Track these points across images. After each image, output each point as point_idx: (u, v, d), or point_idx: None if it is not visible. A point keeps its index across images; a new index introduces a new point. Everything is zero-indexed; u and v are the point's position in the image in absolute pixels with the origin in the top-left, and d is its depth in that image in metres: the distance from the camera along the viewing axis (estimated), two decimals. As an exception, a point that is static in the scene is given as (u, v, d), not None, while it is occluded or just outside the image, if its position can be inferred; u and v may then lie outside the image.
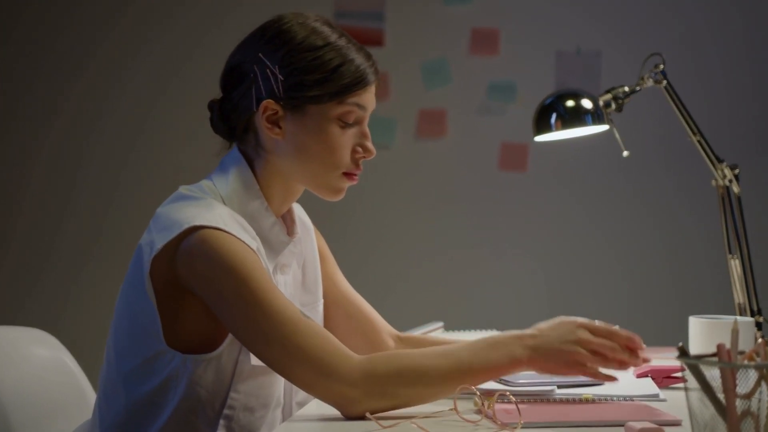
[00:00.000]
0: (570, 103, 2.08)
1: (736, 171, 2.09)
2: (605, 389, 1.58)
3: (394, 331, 1.84)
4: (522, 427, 1.31)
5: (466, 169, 3.85)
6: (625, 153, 2.16)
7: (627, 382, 1.63)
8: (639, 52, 2.24)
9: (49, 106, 3.97)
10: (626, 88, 2.12)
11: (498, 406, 1.40)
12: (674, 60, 2.27)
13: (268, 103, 1.56)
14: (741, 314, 2.06)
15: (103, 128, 3.96)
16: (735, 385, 1.03)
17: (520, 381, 1.59)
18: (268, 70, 1.55)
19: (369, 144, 1.60)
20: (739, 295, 2.07)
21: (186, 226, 1.46)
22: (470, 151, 3.85)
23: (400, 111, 3.85)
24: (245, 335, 1.45)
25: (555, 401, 1.50)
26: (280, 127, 1.56)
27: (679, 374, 1.68)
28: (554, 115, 2.09)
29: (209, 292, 1.46)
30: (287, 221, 1.67)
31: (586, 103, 2.08)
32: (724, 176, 2.10)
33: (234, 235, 1.46)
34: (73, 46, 3.97)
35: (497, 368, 1.43)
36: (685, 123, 2.11)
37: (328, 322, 1.78)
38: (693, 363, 1.05)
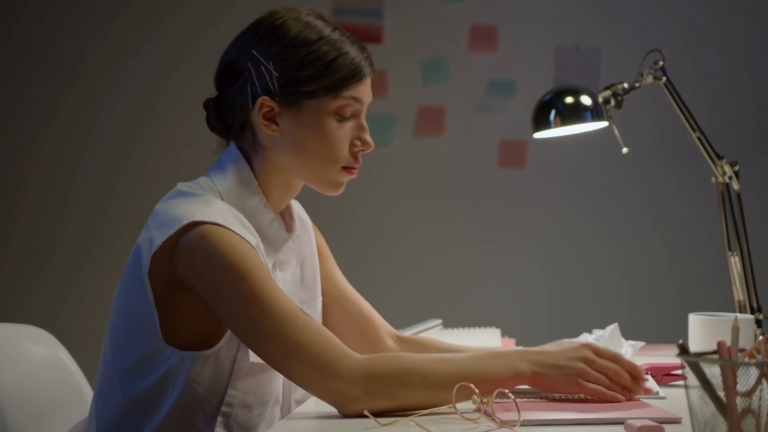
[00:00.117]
0: (569, 99, 2.07)
1: (736, 168, 2.09)
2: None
3: (394, 331, 1.83)
4: (521, 425, 1.31)
5: (465, 166, 3.84)
6: (625, 150, 2.15)
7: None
8: (638, 49, 2.24)
9: (48, 105, 3.97)
10: (625, 85, 2.11)
11: (497, 404, 1.40)
12: (674, 56, 2.27)
13: (263, 100, 1.55)
14: (741, 311, 2.06)
15: (103, 128, 3.96)
16: (735, 383, 1.02)
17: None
18: (262, 67, 1.55)
19: (367, 137, 1.59)
20: (739, 293, 2.07)
21: (185, 222, 1.45)
22: (469, 149, 3.84)
23: (399, 108, 3.84)
24: (244, 332, 1.45)
25: (554, 399, 1.49)
26: (276, 124, 1.56)
27: (678, 372, 1.67)
28: (553, 112, 2.08)
29: (208, 288, 1.46)
30: (286, 218, 1.66)
31: (586, 100, 2.08)
32: (724, 173, 2.09)
33: (233, 231, 1.46)
34: (72, 46, 3.96)
35: (499, 380, 1.42)
36: (684, 120, 2.10)
37: (326, 321, 1.77)
38: (693, 360, 1.05)
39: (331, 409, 1.45)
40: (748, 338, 1.79)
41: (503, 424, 1.31)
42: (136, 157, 3.93)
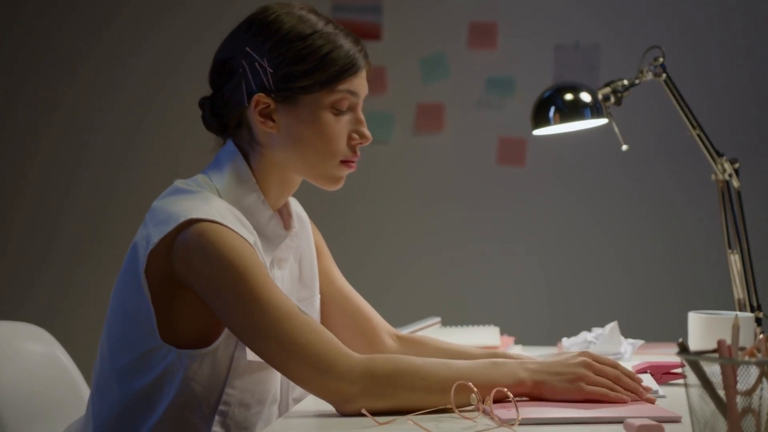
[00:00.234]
0: (568, 96, 2.07)
1: (736, 165, 2.08)
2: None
3: (393, 330, 1.82)
4: (520, 424, 1.30)
5: (464, 164, 3.84)
6: (624, 147, 2.15)
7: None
8: (638, 47, 2.23)
9: (47, 104, 3.97)
10: (625, 82, 2.11)
11: (496, 403, 1.39)
12: (673, 54, 2.26)
13: (259, 96, 1.54)
14: (741, 310, 2.05)
15: (101, 127, 3.95)
16: (736, 382, 1.01)
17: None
18: (256, 63, 1.54)
19: (365, 130, 1.58)
20: (739, 291, 2.06)
21: (182, 220, 1.45)
22: (468, 146, 3.83)
23: (397, 106, 3.84)
24: (242, 330, 1.44)
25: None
26: (273, 120, 1.55)
27: (678, 370, 1.67)
28: (553, 109, 2.07)
29: (206, 286, 1.45)
30: (284, 215, 1.65)
31: (585, 97, 2.07)
32: (724, 170, 2.08)
33: (231, 229, 1.45)
34: (71, 45, 3.96)
35: (498, 387, 1.41)
36: (684, 117, 2.10)
37: (325, 319, 1.76)
38: (693, 359, 1.04)
39: (329, 408, 1.45)
40: (747, 337, 1.79)
41: (502, 423, 1.30)
42: (135, 156, 3.93)
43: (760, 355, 1.06)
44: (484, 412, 1.37)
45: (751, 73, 3.77)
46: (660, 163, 3.77)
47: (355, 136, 1.58)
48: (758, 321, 2.02)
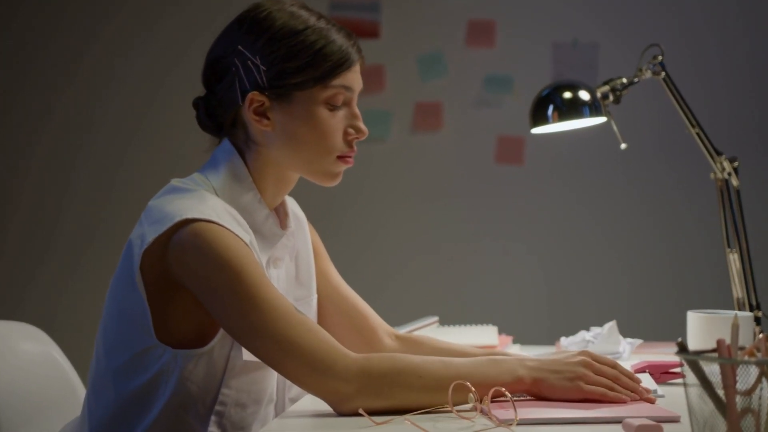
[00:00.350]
0: (567, 94, 2.06)
1: (735, 164, 2.08)
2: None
3: (391, 329, 1.82)
4: (518, 424, 1.29)
5: (462, 162, 3.83)
6: (623, 145, 2.14)
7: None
8: (637, 45, 2.22)
9: (45, 103, 3.96)
10: (624, 80, 2.10)
11: (494, 403, 1.38)
12: (672, 52, 2.25)
13: (253, 95, 1.53)
14: (740, 309, 2.05)
15: (99, 127, 3.95)
16: (735, 382, 1.01)
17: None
18: (249, 62, 1.53)
19: (360, 124, 1.58)
20: (738, 290, 2.06)
21: (178, 219, 1.44)
22: (466, 145, 3.83)
23: (395, 104, 3.83)
24: (238, 330, 1.43)
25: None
26: (268, 118, 1.54)
27: (677, 370, 1.66)
28: (551, 107, 2.07)
29: (201, 286, 1.44)
30: (280, 214, 1.65)
31: (584, 95, 2.06)
32: (723, 169, 2.08)
33: (227, 228, 1.44)
34: (69, 45, 3.95)
35: (497, 385, 1.40)
36: (683, 115, 2.09)
37: (322, 319, 1.76)
38: (692, 359, 1.03)
39: (326, 408, 1.44)
40: (747, 336, 1.78)
41: (500, 422, 1.29)
42: (133, 156, 3.92)
43: (759, 355, 1.05)
44: (482, 411, 1.36)
45: (751, 72, 3.76)
46: (659, 161, 3.76)
47: (351, 131, 1.57)
48: (757, 320, 2.01)
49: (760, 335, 1.11)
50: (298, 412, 1.50)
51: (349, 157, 1.58)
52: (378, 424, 1.31)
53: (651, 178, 3.78)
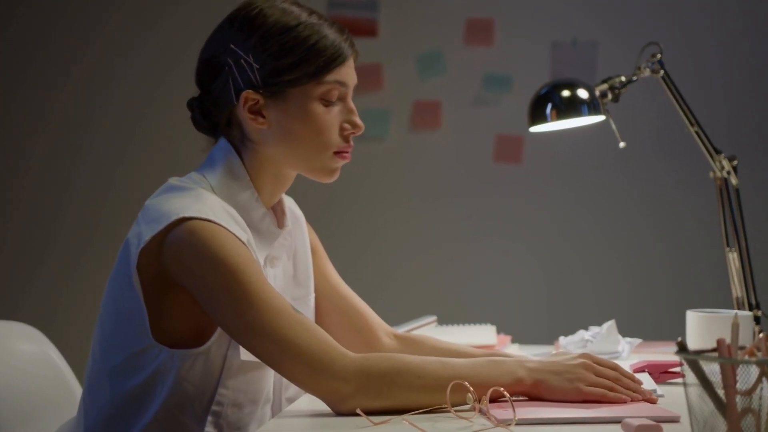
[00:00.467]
0: (566, 93, 2.06)
1: (735, 162, 2.07)
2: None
3: (390, 328, 1.81)
4: (517, 424, 1.28)
5: (460, 161, 3.82)
6: (622, 144, 2.14)
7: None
8: (636, 44, 2.22)
9: (44, 103, 3.95)
10: (623, 78, 2.10)
11: (492, 403, 1.37)
12: (671, 50, 2.25)
13: (247, 93, 1.53)
14: (739, 308, 2.04)
15: (98, 127, 3.94)
16: (735, 381, 1.00)
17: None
18: (242, 60, 1.52)
19: (356, 119, 1.57)
20: (737, 289, 2.05)
21: (174, 218, 1.43)
22: (465, 144, 3.82)
23: (394, 103, 3.82)
24: (235, 329, 1.43)
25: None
26: (263, 116, 1.54)
27: (676, 369, 1.65)
28: (549, 105, 2.06)
29: (198, 285, 1.44)
30: (277, 213, 1.64)
31: (582, 93, 2.06)
32: (722, 168, 2.07)
33: (224, 227, 1.44)
34: (68, 44, 3.94)
35: (496, 386, 1.39)
36: (682, 114, 2.08)
37: (320, 318, 1.75)
38: (693, 359, 1.02)
39: (323, 408, 1.43)
40: (746, 335, 1.77)
41: (498, 423, 1.28)
42: (131, 156, 3.92)
43: (760, 354, 1.05)
44: (481, 411, 1.35)
45: (750, 70, 3.75)
46: (658, 160, 3.75)
47: (347, 126, 1.57)
48: (757, 319, 2.01)
49: (760, 335, 1.10)
50: (295, 412, 1.49)
51: (346, 152, 1.57)
52: (376, 424, 1.31)
53: (650, 177, 3.77)
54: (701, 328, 1.76)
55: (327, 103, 1.55)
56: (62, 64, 3.94)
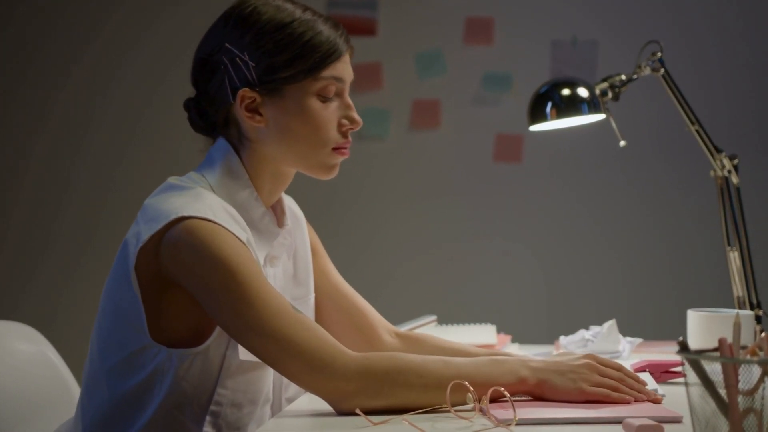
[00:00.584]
0: (566, 91, 2.05)
1: (736, 161, 2.07)
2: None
3: (391, 327, 1.81)
4: (517, 424, 1.28)
5: (460, 160, 3.82)
6: (622, 143, 2.13)
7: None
8: (636, 43, 2.21)
9: (43, 102, 3.95)
10: (623, 77, 2.09)
11: (493, 403, 1.37)
12: (671, 49, 2.24)
13: (244, 92, 1.52)
14: (740, 307, 2.03)
15: (97, 127, 3.93)
16: (737, 381, 0.99)
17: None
18: (237, 59, 1.52)
19: (354, 114, 1.57)
20: (738, 288, 2.04)
21: (173, 217, 1.43)
22: (465, 143, 3.81)
23: (393, 102, 3.81)
24: (235, 329, 1.42)
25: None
26: (260, 114, 1.53)
27: (678, 369, 1.65)
28: (549, 104, 2.06)
29: (197, 285, 1.43)
30: (277, 212, 1.64)
31: (582, 92, 2.05)
32: (723, 167, 2.07)
33: (223, 226, 1.43)
34: (68, 43, 3.94)
35: (499, 385, 1.38)
36: (683, 112, 2.08)
37: (321, 317, 1.75)
38: (694, 358, 1.02)
39: (322, 408, 1.43)
40: (747, 335, 1.77)
41: (499, 423, 1.28)
42: (131, 157, 3.91)
43: (762, 354, 1.04)
44: (481, 411, 1.35)
45: (750, 69, 3.75)
46: (658, 159, 3.75)
47: (345, 121, 1.56)
48: (758, 319, 2.00)
49: (762, 334, 1.10)
50: (294, 412, 1.49)
51: (345, 148, 1.57)
52: (375, 424, 1.30)
53: (650, 176, 3.76)
54: (702, 327, 1.75)
55: (324, 99, 1.54)
56: (62, 64, 3.94)
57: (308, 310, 1.71)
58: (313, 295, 1.73)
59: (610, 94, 2.08)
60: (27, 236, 3.94)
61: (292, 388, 1.63)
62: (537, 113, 2.07)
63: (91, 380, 1.52)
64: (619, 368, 1.45)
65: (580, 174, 3.79)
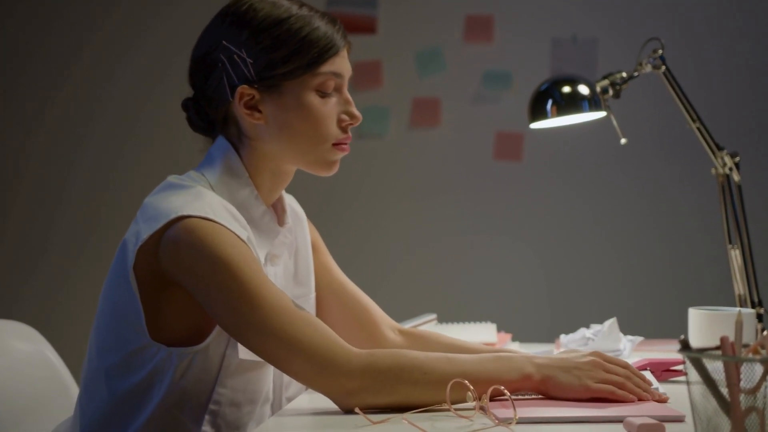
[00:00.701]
0: (566, 89, 2.04)
1: (737, 159, 2.06)
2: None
3: (395, 324, 1.80)
4: (517, 423, 1.27)
5: (460, 159, 3.81)
6: (623, 141, 2.12)
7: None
8: (636, 40, 2.20)
9: (41, 102, 3.94)
10: (624, 74, 2.08)
11: (493, 402, 1.36)
12: (671, 47, 2.23)
13: (242, 89, 1.52)
14: (741, 305, 2.03)
15: (96, 126, 3.93)
16: (739, 380, 0.99)
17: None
18: (235, 56, 1.51)
19: (354, 110, 1.56)
20: (740, 286, 2.04)
21: (173, 216, 1.42)
22: (465, 141, 3.81)
23: (393, 100, 3.81)
24: (237, 328, 1.41)
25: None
26: (259, 111, 1.53)
27: (679, 367, 1.64)
28: (550, 102, 2.05)
29: (197, 284, 1.42)
30: (278, 210, 1.63)
31: (583, 89, 2.04)
32: (724, 164, 2.06)
33: (223, 225, 1.42)
34: (65, 43, 3.93)
35: (504, 382, 1.38)
36: (684, 110, 2.07)
37: (324, 314, 1.74)
38: (696, 357, 1.01)
39: (322, 406, 1.42)
40: (749, 333, 1.76)
41: (499, 422, 1.27)
42: (129, 156, 3.91)
43: (764, 352, 1.03)
44: (482, 410, 1.34)
45: (751, 65, 3.74)
46: (659, 157, 3.74)
47: (345, 117, 1.56)
48: (759, 317, 1.99)
49: (764, 332, 1.09)
50: (294, 411, 1.48)
51: (345, 144, 1.56)
52: (375, 423, 1.29)
53: (651, 174, 3.76)
54: (703, 325, 1.75)
55: (323, 94, 1.54)
56: (61, 63, 3.93)
57: (309, 309, 1.70)
58: (313, 294, 1.72)
59: (611, 92, 2.07)
60: (25, 235, 3.94)
61: (293, 387, 1.62)
62: (537, 111, 2.06)
63: (89, 380, 1.51)
64: (626, 366, 1.44)
65: (580, 172, 3.78)
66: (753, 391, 0.99)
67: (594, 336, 2.01)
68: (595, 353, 1.45)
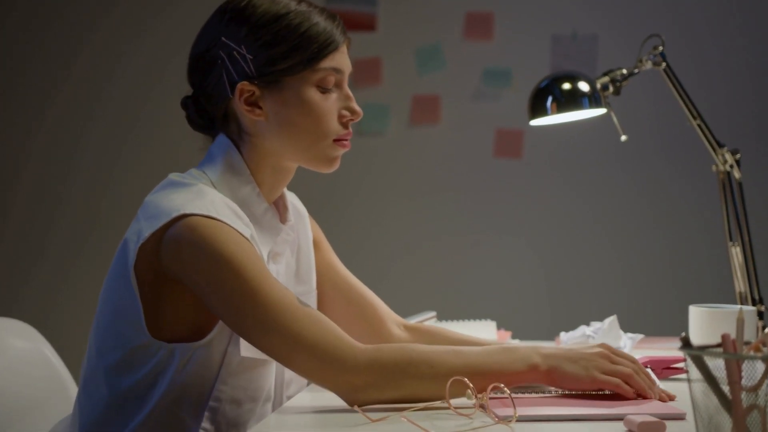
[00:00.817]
0: (566, 85, 2.04)
1: (738, 156, 2.05)
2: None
3: (400, 319, 1.80)
4: (517, 421, 1.26)
5: (460, 156, 3.80)
6: (623, 138, 2.11)
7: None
8: (636, 37, 2.20)
9: (41, 101, 3.94)
10: (624, 71, 2.08)
11: (492, 399, 1.35)
12: (672, 44, 2.22)
13: (242, 85, 1.51)
14: (742, 303, 2.02)
15: (95, 125, 3.92)
16: (741, 378, 0.98)
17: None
18: (235, 52, 1.51)
19: (354, 105, 1.56)
20: (740, 284, 2.03)
21: (175, 214, 1.41)
22: (464, 138, 3.80)
23: (393, 97, 3.80)
24: (242, 327, 1.41)
25: (552, 394, 1.45)
26: (260, 108, 1.52)
27: (679, 365, 1.64)
28: (550, 98, 2.04)
29: (200, 282, 1.41)
30: (280, 208, 1.63)
31: (583, 86, 2.04)
32: (725, 161, 2.06)
33: (226, 223, 1.42)
34: (66, 41, 3.93)
35: (511, 374, 1.38)
36: (684, 107, 2.06)
37: (329, 310, 1.74)
38: (697, 354, 1.00)
39: (323, 404, 1.42)
40: (750, 331, 1.76)
41: (499, 420, 1.26)
42: (130, 155, 3.90)
43: (765, 350, 1.03)
44: (482, 408, 1.33)
45: (752, 62, 3.73)
46: (659, 154, 3.74)
47: (345, 112, 1.55)
48: (760, 314, 1.99)
49: (765, 330, 1.09)
50: (295, 408, 1.48)
51: (346, 139, 1.55)
52: (374, 421, 1.29)
53: (651, 171, 3.75)
54: (704, 323, 1.74)
55: (323, 90, 1.53)
56: (61, 63, 3.93)
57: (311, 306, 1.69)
58: (315, 293, 1.72)
59: (611, 89, 2.07)
60: (25, 233, 3.93)
61: (294, 385, 1.62)
62: (537, 108, 2.06)
63: (89, 378, 1.51)
64: (633, 361, 1.43)
65: (580, 169, 3.78)
66: (754, 388, 0.99)
67: (594, 333, 2.01)
68: (603, 345, 1.45)
